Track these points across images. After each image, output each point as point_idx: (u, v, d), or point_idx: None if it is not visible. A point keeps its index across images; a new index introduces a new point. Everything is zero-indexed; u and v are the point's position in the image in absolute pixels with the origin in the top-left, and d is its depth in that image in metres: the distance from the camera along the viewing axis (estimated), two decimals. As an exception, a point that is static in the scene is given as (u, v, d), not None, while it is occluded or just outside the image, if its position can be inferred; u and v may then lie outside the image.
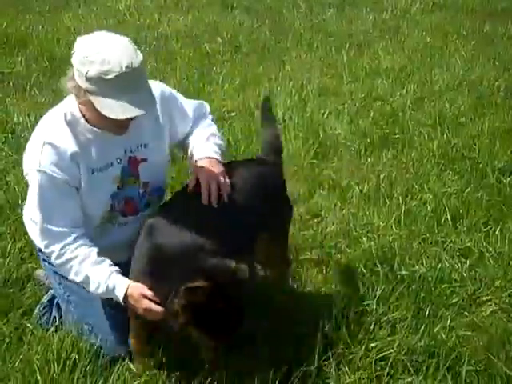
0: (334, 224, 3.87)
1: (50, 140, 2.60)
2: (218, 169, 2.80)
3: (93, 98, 2.48)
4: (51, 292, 3.08)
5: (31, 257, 3.42)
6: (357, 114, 5.40)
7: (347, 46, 7.17)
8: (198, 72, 6.30)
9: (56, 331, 2.89)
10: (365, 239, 3.71)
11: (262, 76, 6.29)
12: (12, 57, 6.74)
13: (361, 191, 4.23)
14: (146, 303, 2.52)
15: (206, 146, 2.90)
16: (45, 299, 3.10)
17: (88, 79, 2.45)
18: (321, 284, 3.36)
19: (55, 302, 3.04)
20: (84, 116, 2.64)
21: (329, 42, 7.37)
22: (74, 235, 2.65)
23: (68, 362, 2.72)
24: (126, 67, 2.43)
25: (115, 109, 2.46)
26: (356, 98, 5.74)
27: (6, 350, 2.82)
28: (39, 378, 2.63)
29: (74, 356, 2.74)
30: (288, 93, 5.71)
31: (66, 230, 2.64)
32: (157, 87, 2.78)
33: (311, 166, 4.61)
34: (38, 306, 3.08)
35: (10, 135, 4.84)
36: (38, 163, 2.59)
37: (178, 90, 5.55)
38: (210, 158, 2.85)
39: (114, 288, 2.59)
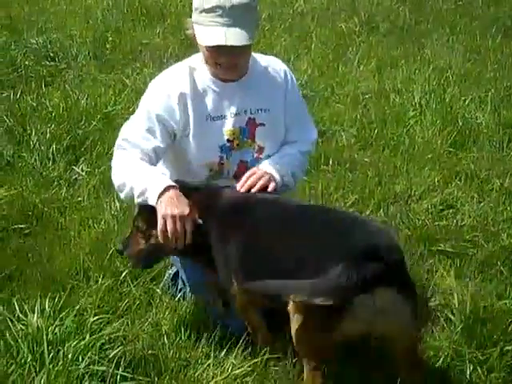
0: (470, 217, 3.68)
1: (165, 78, 2.79)
2: (267, 177, 2.70)
3: (195, 28, 2.63)
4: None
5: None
6: (501, 104, 5.08)
7: (493, 30, 6.78)
8: (332, 52, 6.17)
9: (183, 299, 2.93)
10: (504, 235, 3.49)
11: (399, 58, 6.07)
12: (151, 28, 6.92)
13: (501, 185, 3.98)
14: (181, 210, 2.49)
15: (276, 164, 2.79)
16: (172, 270, 3.14)
17: (195, 10, 2.63)
18: (453, 277, 3.19)
19: (181, 275, 3.07)
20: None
21: (473, 25, 7.00)
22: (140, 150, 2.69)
23: (193, 331, 2.75)
24: (226, 0, 2.53)
25: (206, 36, 2.59)
26: (500, 86, 5.40)
27: (136, 311, 2.89)
28: (166, 341, 2.67)
29: (201, 325, 2.75)
30: (426, 77, 5.47)
31: (137, 144, 2.69)
32: (290, 77, 2.89)
33: (448, 155, 4.40)
34: (166, 276, 3.13)
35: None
36: (146, 93, 2.78)
37: (312, 69, 5.62)
38: (267, 172, 2.75)
39: (159, 181, 2.56)
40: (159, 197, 2.53)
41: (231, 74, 2.75)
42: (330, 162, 4.26)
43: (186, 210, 2.51)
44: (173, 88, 2.74)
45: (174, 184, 2.59)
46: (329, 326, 2.18)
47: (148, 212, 2.59)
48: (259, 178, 2.69)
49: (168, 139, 2.75)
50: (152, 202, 2.54)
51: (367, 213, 3.71)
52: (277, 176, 2.74)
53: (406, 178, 4.07)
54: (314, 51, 6.12)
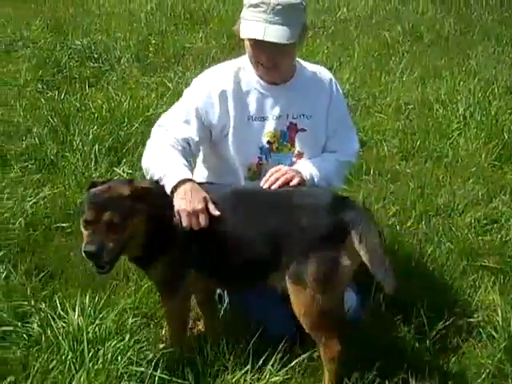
0: (515, 233, 3.60)
1: (210, 75, 2.81)
2: (292, 173, 2.66)
3: (241, 22, 2.65)
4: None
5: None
6: (551, 119, 4.98)
7: (541, 42, 6.69)
8: (375, 61, 6.13)
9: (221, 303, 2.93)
10: (552, 254, 3.41)
11: (443, 69, 6.01)
12: (193, 32, 6.97)
13: (551, 202, 3.90)
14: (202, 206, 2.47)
15: (309, 164, 2.78)
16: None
17: (244, 5, 2.67)
18: (496, 293, 3.12)
19: None
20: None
21: (521, 37, 6.91)
22: (174, 138, 2.70)
23: (231, 336, 2.73)
24: None
25: (247, 29, 2.61)
26: (551, 100, 5.30)
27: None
28: (204, 345, 2.66)
29: (239, 330, 2.74)
30: (471, 89, 5.40)
31: (172, 132, 2.72)
32: (335, 86, 2.90)
33: (492, 168, 4.33)
34: None
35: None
36: (190, 87, 2.81)
37: (354, 78, 5.59)
38: (294, 169, 2.71)
39: (178, 171, 2.57)
40: (174, 189, 2.55)
41: (273, 74, 2.75)
42: (371, 172, 4.22)
43: (199, 205, 2.49)
44: (215, 85, 2.75)
45: (190, 177, 2.58)
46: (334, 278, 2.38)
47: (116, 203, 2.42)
48: (283, 174, 2.66)
49: (203, 134, 2.77)
50: (167, 190, 2.56)
51: (408, 224, 3.66)
52: (305, 173, 2.71)
53: (448, 191, 4.01)
54: (356, 60, 6.10)
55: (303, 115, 2.82)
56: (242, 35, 2.64)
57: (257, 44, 2.63)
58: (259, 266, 2.49)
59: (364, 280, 2.94)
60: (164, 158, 2.64)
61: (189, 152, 2.76)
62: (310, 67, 2.92)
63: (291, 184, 2.64)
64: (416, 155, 4.52)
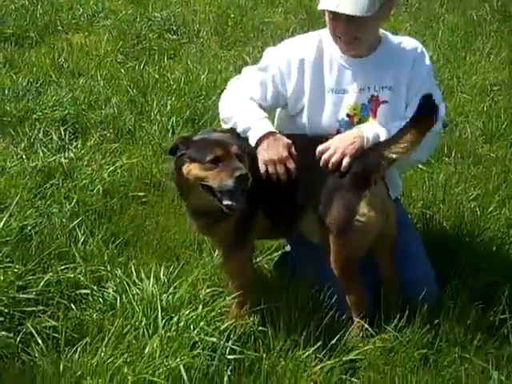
0: None
1: (294, 42, 2.80)
2: (351, 141, 2.59)
3: None
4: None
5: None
6: None
7: None
8: (461, 40, 5.91)
9: (291, 278, 2.89)
10: None
11: (532, 50, 5.73)
12: (273, 7, 6.90)
13: None
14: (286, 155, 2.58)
15: (374, 126, 2.70)
16: (286, 249, 3.12)
17: None
18: None
19: (292, 255, 3.05)
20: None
21: None
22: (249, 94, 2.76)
23: (303, 312, 2.70)
24: None
25: (323, 0, 2.58)
26: None
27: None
28: (276, 319, 2.63)
29: (311, 307, 2.71)
30: None
31: (248, 88, 2.77)
32: (420, 53, 2.78)
33: None
34: (279, 254, 3.10)
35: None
36: (274, 50, 2.82)
37: (438, 57, 5.40)
38: (360, 131, 2.65)
39: (261, 125, 2.65)
40: (259, 142, 2.64)
41: (352, 48, 2.69)
42: (453, 154, 4.09)
43: (284, 153, 2.60)
44: (296, 53, 2.74)
45: (273, 130, 2.65)
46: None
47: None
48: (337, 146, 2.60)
49: (275, 101, 2.80)
50: (252, 142, 2.66)
51: (490, 209, 3.51)
52: (367, 134, 2.62)
53: (534, 176, 3.83)
54: (440, 38, 5.89)
55: (385, 87, 2.76)
56: (319, 6, 2.61)
57: (333, 16, 2.59)
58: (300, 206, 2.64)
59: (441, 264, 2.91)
60: (246, 111, 2.72)
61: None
62: (397, 39, 2.83)
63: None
64: (501, 138, 4.33)
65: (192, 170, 2.49)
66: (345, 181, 2.56)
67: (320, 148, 2.62)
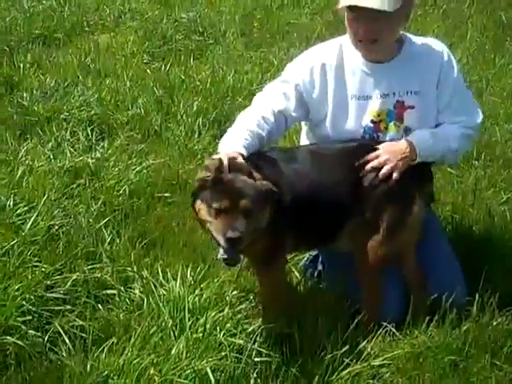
0: None
1: (314, 51, 2.77)
2: (399, 151, 2.63)
3: None
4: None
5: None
6: None
7: None
8: (490, 41, 5.83)
9: (320, 281, 2.88)
10: None
11: None
12: (299, 9, 6.86)
13: None
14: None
15: (422, 132, 2.71)
16: (313, 252, 3.08)
17: None
18: None
19: (320, 257, 3.03)
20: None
21: None
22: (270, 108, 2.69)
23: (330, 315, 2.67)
24: None
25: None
26: None
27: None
28: (303, 322, 2.61)
29: (338, 310, 2.69)
30: None
31: (269, 101, 2.72)
32: (447, 55, 2.76)
33: None
34: (307, 257, 3.08)
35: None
36: (294, 61, 2.79)
37: (466, 59, 5.33)
38: (410, 141, 2.67)
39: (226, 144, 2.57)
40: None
41: (372, 49, 2.66)
42: (482, 157, 4.03)
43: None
44: (317, 60, 2.72)
45: (236, 150, 2.52)
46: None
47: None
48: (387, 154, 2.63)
49: (300, 110, 2.75)
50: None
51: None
52: (417, 142, 2.67)
53: None
54: (469, 40, 5.81)
55: (411, 92, 2.73)
56: (339, 5, 2.58)
57: (353, 15, 2.55)
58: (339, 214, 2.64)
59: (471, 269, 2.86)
60: (231, 129, 2.66)
61: (284, 126, 2.74)
62: (420, 41, 2.80)
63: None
64: (532, 143, 4.26)
65: (201, 209, 2.43)
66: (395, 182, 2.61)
67: (370, 157, 2.63)
